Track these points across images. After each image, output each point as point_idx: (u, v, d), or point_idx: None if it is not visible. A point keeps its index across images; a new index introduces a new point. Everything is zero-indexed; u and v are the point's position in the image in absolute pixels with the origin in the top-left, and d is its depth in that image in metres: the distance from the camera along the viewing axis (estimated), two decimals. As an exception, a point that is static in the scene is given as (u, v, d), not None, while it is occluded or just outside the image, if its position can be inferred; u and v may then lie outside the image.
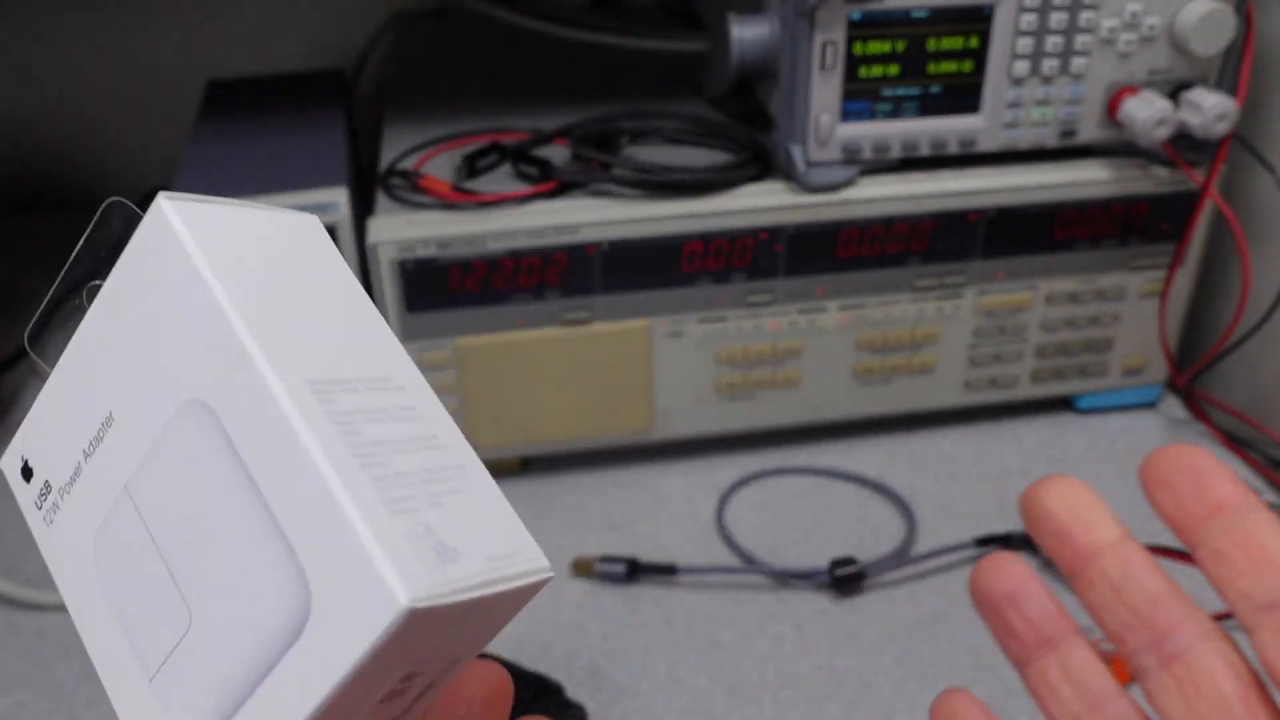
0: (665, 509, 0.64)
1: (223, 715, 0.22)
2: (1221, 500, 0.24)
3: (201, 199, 0.24)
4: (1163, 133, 0.59)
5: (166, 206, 0.23)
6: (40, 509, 0.25)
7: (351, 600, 0.20)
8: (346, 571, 0.20)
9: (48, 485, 0.25)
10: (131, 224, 0.24)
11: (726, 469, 0.68)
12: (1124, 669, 0.42)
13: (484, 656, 0.51)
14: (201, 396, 0.22)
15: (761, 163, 0.62)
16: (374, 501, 0.21)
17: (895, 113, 0.59)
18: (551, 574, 0.24)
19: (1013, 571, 0.27)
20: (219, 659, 0.22)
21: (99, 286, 0.24)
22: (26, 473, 0.25)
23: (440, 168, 0.63)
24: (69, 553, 0.24)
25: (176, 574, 0.23)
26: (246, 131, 0.66)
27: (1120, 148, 0.63)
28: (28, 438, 0.26)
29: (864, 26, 0.57)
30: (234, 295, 0.22)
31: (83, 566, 0.24)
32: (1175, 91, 0.61)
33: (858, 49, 0.57)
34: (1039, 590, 0.27)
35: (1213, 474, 0.24)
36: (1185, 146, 0.61)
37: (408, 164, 0.64)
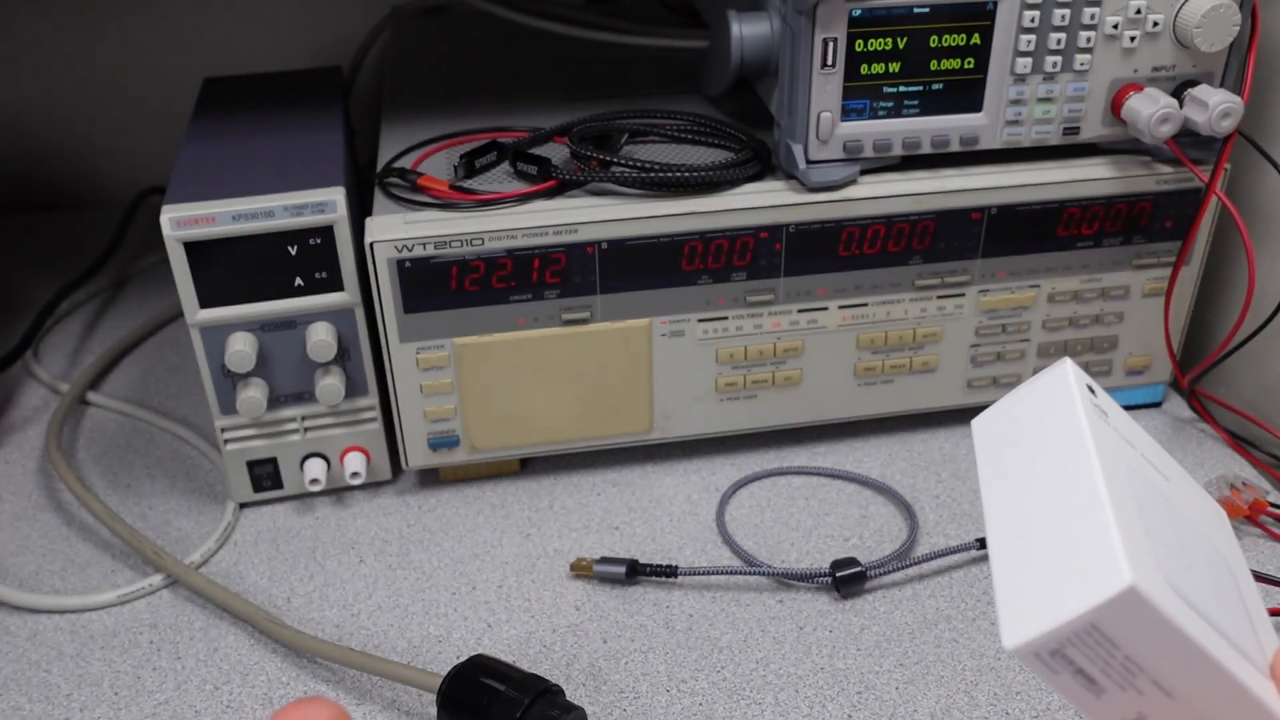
0: (665, 510, 0.64)
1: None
2: None
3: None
4: (1167, 130, 0.58)
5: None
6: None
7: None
8: None
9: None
10: None
11: (727, 469, 0.67)
12: None
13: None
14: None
15: (762, 161, 0.62)
16: None
17: (897, 111, 0.59)
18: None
19: None
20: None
21: None
22: None
23: (438, 166, 0.63)
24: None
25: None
26: (243, 130, 0.65)
27: (1124, 145, 0.63)
28: None
29: (865, 24, 0.56)
30: None
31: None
32: (1179, 88, 0.60)
33: (859, 46, 0.57)
34: None
35: None
36: (1189, 144, 0.61)
37: (406, 162, 0.64)
